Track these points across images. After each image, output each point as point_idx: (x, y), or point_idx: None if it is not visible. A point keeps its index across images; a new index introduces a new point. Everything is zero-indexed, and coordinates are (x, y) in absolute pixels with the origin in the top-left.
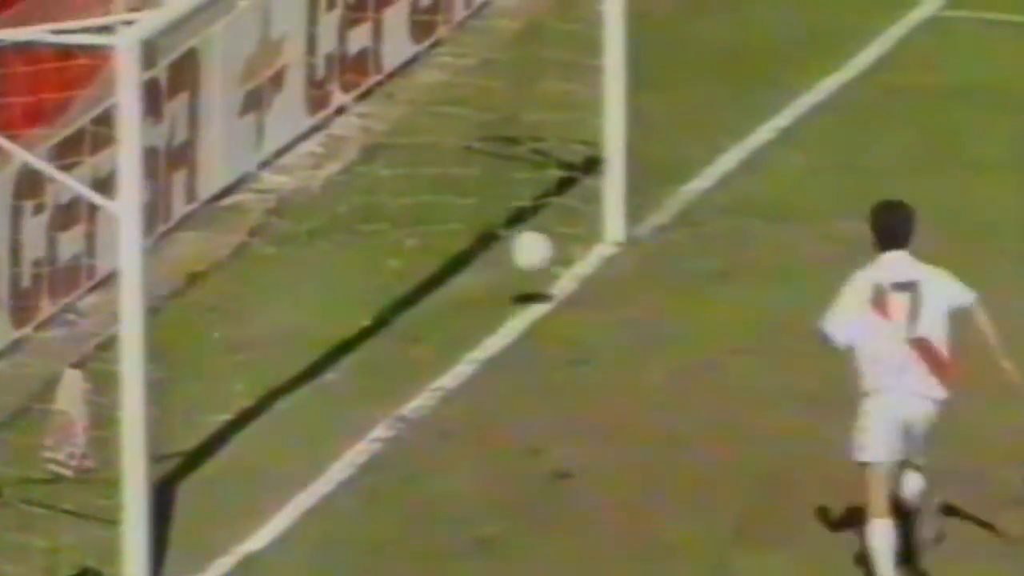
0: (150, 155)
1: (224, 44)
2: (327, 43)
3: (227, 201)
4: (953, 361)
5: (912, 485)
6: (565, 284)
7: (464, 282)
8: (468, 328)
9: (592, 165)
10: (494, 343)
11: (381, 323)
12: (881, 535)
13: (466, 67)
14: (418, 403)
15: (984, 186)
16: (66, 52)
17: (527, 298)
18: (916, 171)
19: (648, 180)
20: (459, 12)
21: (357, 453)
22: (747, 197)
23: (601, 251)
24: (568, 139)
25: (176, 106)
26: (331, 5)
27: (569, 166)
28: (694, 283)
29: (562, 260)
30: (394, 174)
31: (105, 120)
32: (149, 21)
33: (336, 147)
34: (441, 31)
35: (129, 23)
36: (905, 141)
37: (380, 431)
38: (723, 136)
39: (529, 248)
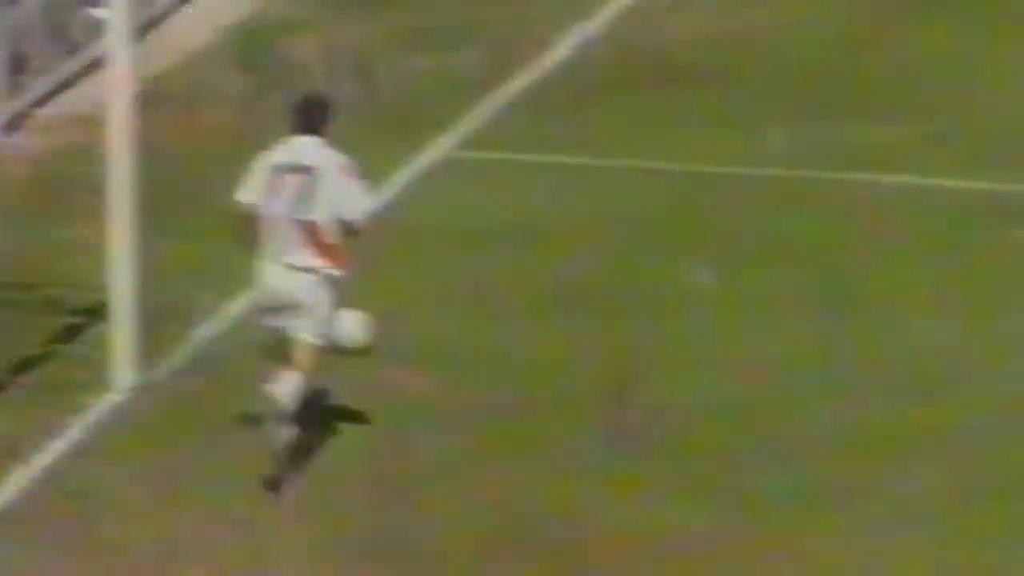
0: None
1: None
2: None
3: None
4: (341, 248)
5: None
6: (74, 433)
7: None
8: None
9: (102, 311)
10: None
11: None
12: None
13: None
14: None
15: (513, 332)
16: None
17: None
18: (430, 315)
19: (160, 325)
20: None
21: None
22: (261, 340)
23: (111, 398)
24: (78, 285)
25: None
26: None
27: (79, 312)
28: (215, 427)
29: (71, 409)
30: None
31: None
32: None
33: None
34: None
35: None
36: (423, 285)
37: None
38: (233, 282)
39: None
